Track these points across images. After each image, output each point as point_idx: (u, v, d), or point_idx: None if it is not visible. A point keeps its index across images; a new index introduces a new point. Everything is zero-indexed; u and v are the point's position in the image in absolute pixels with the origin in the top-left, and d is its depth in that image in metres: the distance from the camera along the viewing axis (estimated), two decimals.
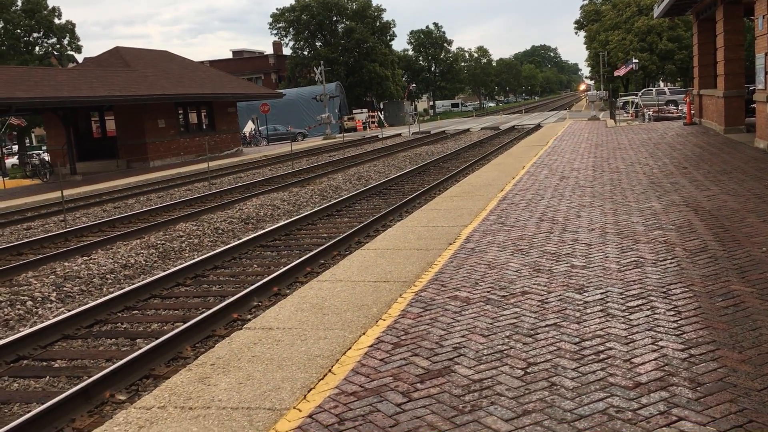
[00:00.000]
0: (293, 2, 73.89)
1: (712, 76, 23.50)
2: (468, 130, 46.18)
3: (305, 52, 74.04)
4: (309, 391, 4.27)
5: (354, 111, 65.79)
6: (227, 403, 4.16)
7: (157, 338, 6.91)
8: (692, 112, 26.64)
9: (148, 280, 9.29)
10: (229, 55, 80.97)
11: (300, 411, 4.00)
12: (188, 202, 18.27)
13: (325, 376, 4.50)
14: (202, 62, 54.23)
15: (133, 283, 9.77)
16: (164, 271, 10.41)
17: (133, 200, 20.29)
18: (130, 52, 37.54)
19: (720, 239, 7.36)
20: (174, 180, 25.47)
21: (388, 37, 77.07)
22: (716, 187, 10.84)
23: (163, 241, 12.60)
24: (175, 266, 10.54)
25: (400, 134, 46.53)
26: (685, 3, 23.41)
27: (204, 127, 38.36)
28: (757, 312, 4.99)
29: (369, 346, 4.96)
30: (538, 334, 4.92)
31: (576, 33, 77.17)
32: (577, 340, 4.74)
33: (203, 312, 7.72)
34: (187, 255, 11.80)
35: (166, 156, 34.37)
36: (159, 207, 17.30)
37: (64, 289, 9.63)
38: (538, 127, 40.32)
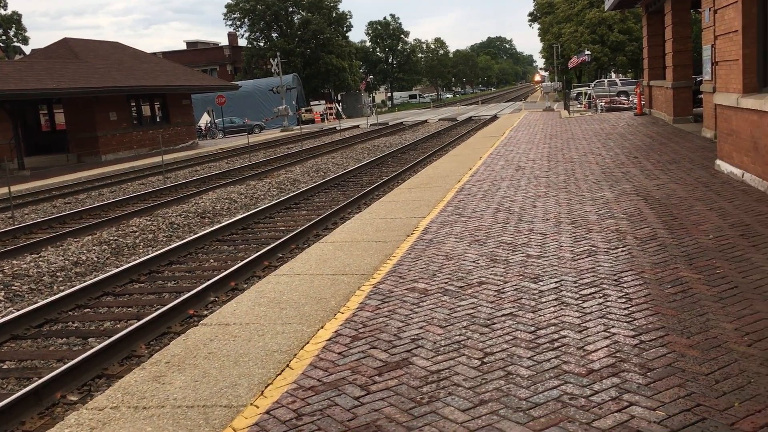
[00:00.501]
0: None
1: (662, 68, 24.01)
2: (426, 121, 46.34)
3: (261, 44, 73.25)
4: (266, 387, 4.24)
5: (312, 103, 65.41)
6: (182, 401, 4.11)
7: (110, 337, 6.78)
8: (642, 102, 27.19)
9: (101, 277, 9.10)
10: (183, 47, 79.58)
11: (257, 407, 3.98)
12: (142, 197, 17.94)
13: (282, 371, 4.48)
14: (155, 54, 53.19)
15: (85, 281, 9.56)
16: (117, 267, 10.21)
17: (85, 195, 19.83)
18: (79, 44, 36.61)
19: (669, 227, 7.54)
20: (127, 174, 24.98)
21: (345, 29, 76.75)
22: (665, 176, 11.09)
23: (116, 237, 12.36)
24: (129, 262, 10.35)
25: (358, 126, 46.46)
26: None
27: (158, 120, 37.70)
28: (704, 298, 5.13)
29: (327, 340, 4.95)
30: (494, 323, 4.98)
31: (530, 25, 78.22)
32: (532, 329, 4.81)
33: (158, 309, 7.60)
34: (141, 251, 11.60)
35: (119, 150, 33.69)
36: (111, 202, 16.95)
37: (13, 288, 9.37)
38: (494, 118, 40.69)
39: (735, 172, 10.37)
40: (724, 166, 10.99)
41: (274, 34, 73.84)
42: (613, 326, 4.73)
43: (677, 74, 20.62)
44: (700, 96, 19.16)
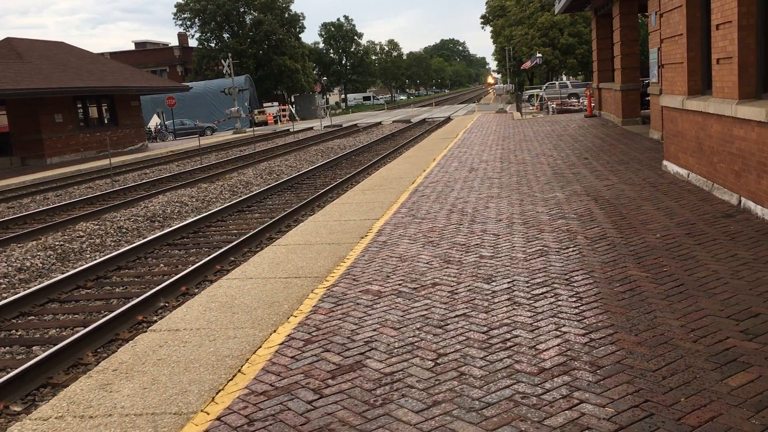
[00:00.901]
0: None
1: (610, 70, 24.54)
2: (380, 123, 46.40)
3: (212, 44, 72.35)
4: (217, 393, 4.17)
5: (264, 104, 64.82)
6: (130, 409, 4.01)
7: (55, 344, 6.57)
8: (592, 104, 27.74)
9: (46, 283, 8.82)
10: (132, 47, 78.01)
11: (208, 414, 3.90)
12: (89, 201, 17.50)
13: (234, 376, 4.41)
14: (102, 54, 52.00)
15: (29, 287, 9.26)
16: (63, 273, 9.93)
17: (29, 200, 19.25)
18: (23, 44, 35.54)
19: (618, 227, 7.68)
20: (73, 177, 24.35)
21: (298, 30, 76.36)
22: (614, 177, 11.32)
23: (61, 242, 12.02)
24: (75, 268, 10.07)
25: (312, 128, 46.25)
26: None
27: (105, 122, 36.85)
28: (652, 296, 5.24)
29: (280, 344, 4.90)
30: (448, 324, 4.99)
31: (483, 28, 78.81)
32: (485, 329, 4.83)
33: (105, 315, 7.41)
34: (88, 256, 11.30)
35: (65, 152, 32.82)
36: (57, 206, 16.48)
37: None
38: (448, 119, 40.99)
39: (681, 172, 10.64)
40: (670, 167, 11.27)
41: (226, 35, 73.02)
42: (564, 325, 4.79)
43: (625, 77, 21.09)
44: (647, 98, 19.64)
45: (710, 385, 3.70)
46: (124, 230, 13.13)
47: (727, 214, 7.83)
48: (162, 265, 10.06)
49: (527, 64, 46.58)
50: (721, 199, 8.65)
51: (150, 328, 5.57)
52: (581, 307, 5.12)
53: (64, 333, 7.28)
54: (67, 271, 10.12)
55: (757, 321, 4.55)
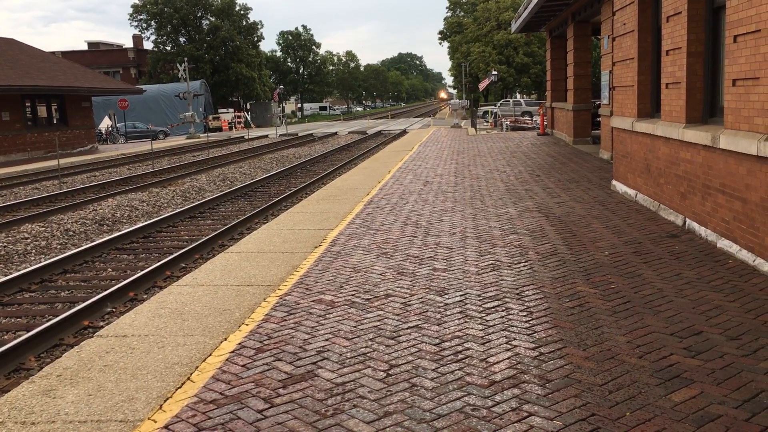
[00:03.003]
0: None
1: (563, 90, 25.07)
2: (336, 133, 46.39)
3: (168, 48, 71.28)
4: (165, 401, 4.09)
5: (220, 111, 64.18)
6: (74, 416, 3.90)
7: None
8: (545, 123, 28.27)
9: None
10: (85, 47, 76.35)
11: (155, 422, 3.83)
12: (35, 202, 17.01)
13: (183, 384, 4.34)
14: (53, 53, 50.76)
15: None
16: (5, 276, 9.61)
17: None
18: None
19: (568, 243, 7.84)
20: (19, 177, 23.66)
21: (256, 38, 75.89)
22: (565, 195, 11.55)
23: (5, 244, 11.65)
24: (19, 270, 9.77)
25: (267, 136, 45.96)
26: (539, 20, 24.82)
27: (55, 122, 35.92)
28: (600, 312, 5.36)
29: (230, 352, 4.84)
30: (400, 336, 5.01)
31: (440, 43, 79.73)
32: (437, 341, 4.87)
33: (50, 319, 7.21)
34: (32, 258, 10.97)
35: (11, 151, 31.85)
36: (1, 206, 15.97)
37: None
38: (403, 132, 41.23)
39: (629, 192, 10.93)
40: (619, 187, 11.56)
41: (182, 39, 72.08)
42: (514, 339, 4.86)
43: (578, 97, 21.58)
44: (598, 119, 20.12)
45: (654, 400, 3.81)
46: (72, 233, 12.80)
47: (672, 234, 8.07)
48: (110, 269, 9.84)
49: (484, 83, 47.24)
50: (667, 220, 8.91)
51: (96, 333, 5.44)
52: (531, 322, 5.20)
53: (5, 336, 7.04)
54: (10, 273, 9.81)
55: (700, 339, 4.70)
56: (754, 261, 6.42)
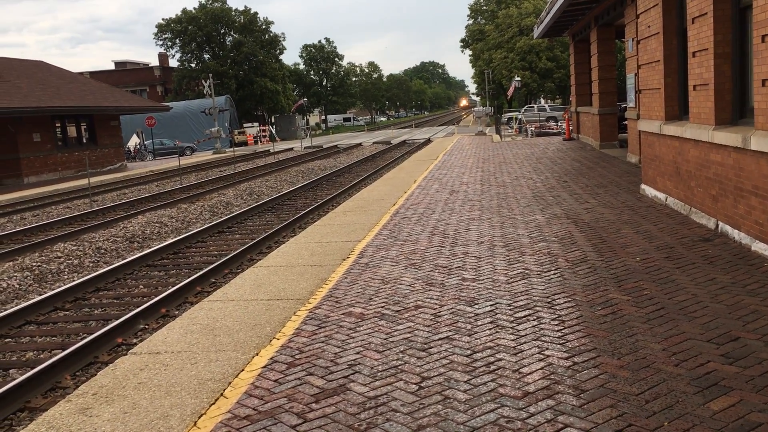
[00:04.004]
0: (180, 13, 72.11)
1: (588, 95, 24.89)
2: (360, 144, 46.54)
3: (193, 65, 72.32)
4: (200, 418, 4.12)
5: (245, 125, 64.78)
6: None
7: (32, 368, 6.46)
8: (571, 128, 28.09)
9: (23, 305, 8.68)
10: (112, 67, 77.74)
11: None
12: (67, 221, 17.31)
13: (216, 400, 4.36)
14: (81, 73, 51.74)
15: (5, 309, 9.11)
16: (40, 294, 9.78)
17: (5, 219, 18.99)
18: (1, 62, 35.29)
19: (598, 250, 7.76)
20: (51, 197, 24.10)
21: (278, 51, 76.63)
22: (594, 200, 11.44)
23: (39, 263, 11.86)
24: (53, 289, 9.93)
25: (292, 148, 46.27)
26: (562, 25, 24.71)
27: (84, 141, 36.56)
28: (633, 319, 5.28)
29: (263, 367, 4.86)
30: (431, 347, 4.99)
31: (462, 51, 79.81)
32: (468, 352, 4.84)
33: (84, 337, 7.31)
34: (66, 277, 11.15)
35: (42, 172, 32.48)
36: (34, 226, 16.27)
37: None
38: (428, 141, 41.22)
39: (659, 196, 10.79)
40: (648, 191, 11.42)
41: (207, 56, 73.06)
42: (547, 348, 4.81)
43: (603, 101, 21.40)
44: (625, 122, 19.93)
45: (692, 409, 3.74)
46: (103, 251, 12.99)
47: (705, 238, 7.94)
48: (141, 286, 9.96)
49: (511, 91, 47.10)
50: (699, 223, 8.78)
51: (130, 351, 5.51)
52: (564, 331, 5.15)
53: (41, 356, 7.16)
54: (45, 292, 9.97)
55: (737, 345, 4.61)
56: None
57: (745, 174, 7.28)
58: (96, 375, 5.11)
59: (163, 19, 72.09)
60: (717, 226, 8.23)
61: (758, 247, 6.98)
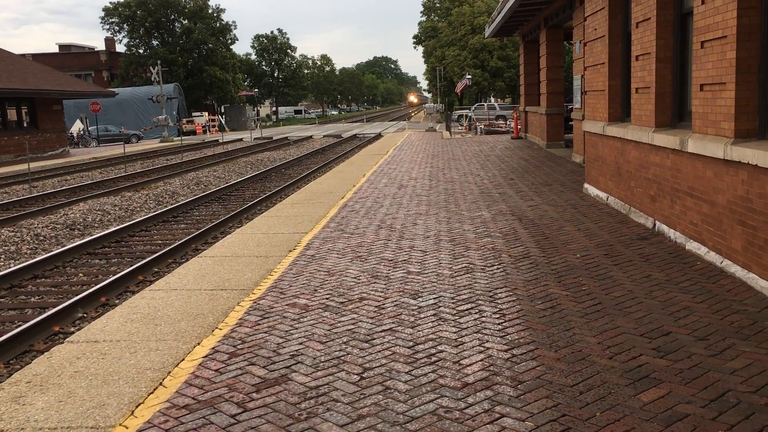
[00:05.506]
0: None
1: (537, 94, 25.32)
2: (311, 137, 46.30)
3: (141, 51, 70.62)
4: (137, 407, 4.06)
5: (193, 114, 63.60)
6: (44, 423, 3.86)
7: None
8: (519, 127, 28.51)
9: None
10: (56, 49, 75.31)
11: (126, 428, 3.80)
12: (4, 206, 16.74)
13: (155, 389, 4.31)
14: (24, 55, 50.01)
15: None
16: None
17: None
18: None
19: (541, 246, 7.93)
20: None
21: (229, 40, 75.48)
22: (539, 198, 11.67)
23: None
24: None
25: (241, 139, 45.72)
26: (513, 25, 25.05)
27: (25, 125, 35.37)
28: (571, 313, 5.43)
29: (204, 357, 4.82)
30: (374, 339, 5.02)
31: (415, 47, 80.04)
32: (411, 344, 4.89)
33: (19, 325, 7.11)
34: (1, 263, 10.80)
35: None
36: None
37: None
38: (378, 136, 41.28)
39: (601, 195, 11.07)
40: (591, 190, 11.70)
41: (155, 42, 71.44)
42: (487, 341, 4.90)
43: (551, 101, 21.80)
44: (571, 123, 20.34)
45: (624, 400, 3.87)
46: (42, 238, 12.62)
47: (642, 237, 8.19)
48: (81, 274, 9.72)
49: (460, 87, 47.48)
50: (638, 222, 9.05)
51: (67, 339, 5.38)
52: (504, 324, 5.25)
53: None
54: None
55: (668, 339, 4.78)
56: (721, 263, 6.54)
57: (681, 175, 7.53)
58: (30, 363, 4.97)
59: (110, 3, 70.03)
60: (654, 225, 8.49)
61: (692, 246, 7.24)
